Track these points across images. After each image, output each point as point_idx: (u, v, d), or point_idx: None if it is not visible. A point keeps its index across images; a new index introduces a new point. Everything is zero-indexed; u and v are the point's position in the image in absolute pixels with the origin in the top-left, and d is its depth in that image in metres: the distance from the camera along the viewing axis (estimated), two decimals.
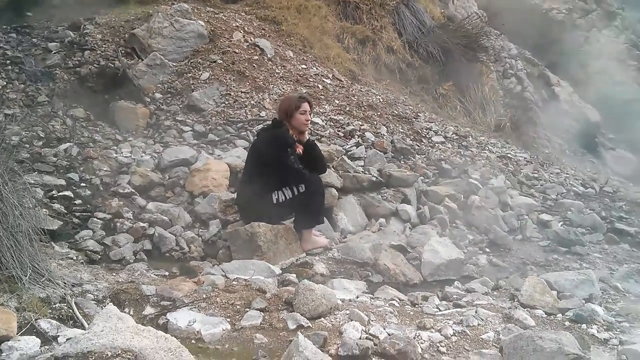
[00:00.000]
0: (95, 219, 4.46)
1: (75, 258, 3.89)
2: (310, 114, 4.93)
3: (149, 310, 3.24)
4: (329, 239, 4.94)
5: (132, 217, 4.64)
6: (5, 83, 6.39)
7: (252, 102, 7.28)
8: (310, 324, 3.19)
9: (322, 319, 3.27)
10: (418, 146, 7.44)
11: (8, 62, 6.78)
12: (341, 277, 4.33)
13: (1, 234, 3.10)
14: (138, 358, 2.25)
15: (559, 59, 15.51)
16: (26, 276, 3.06)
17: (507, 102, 12.42)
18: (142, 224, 4.52)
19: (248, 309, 3.31)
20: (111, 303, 3.02)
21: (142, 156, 5.63)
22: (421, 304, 3.78)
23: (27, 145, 5.29)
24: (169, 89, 7.23)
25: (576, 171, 9.31)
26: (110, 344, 2.27)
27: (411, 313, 3.54)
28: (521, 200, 6.49)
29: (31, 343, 2.53)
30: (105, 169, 5.25)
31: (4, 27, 7.60)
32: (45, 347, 2.56)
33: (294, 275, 4.05)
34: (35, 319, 2.76)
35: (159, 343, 2.39)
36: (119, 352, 2.24)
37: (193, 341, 2.95)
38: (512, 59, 14.32)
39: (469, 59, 11.77)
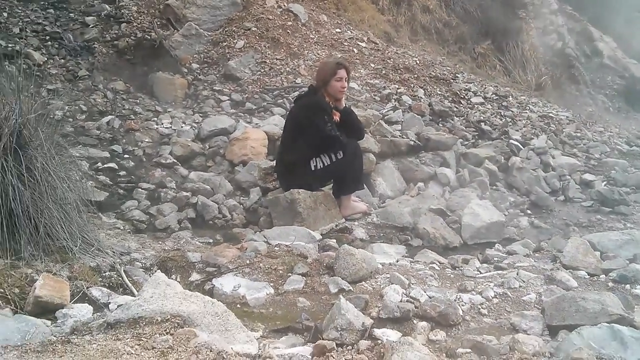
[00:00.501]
0: (140, 190, 4.59)
1: (122, 228, 4.03)
2: (347, 81, 4.86)
3: (195, 277, 3.34)
4: (368, 205, 4.97)
5: (175, 187, 4.75)
6: (46, 59, 6.51)
7: (288, 69, 7.27)
8: (351, 288, 3.24)
9: (363, 282, 3.32)
10: (457, 108, 7.33)
11: (47, 37, 6.90)
12: (381, 241, 4.35)
13: (51, 206, 3.22)
14: (187, 322, 2.33)
15: (601, 13, 14.87)
16: (76, 246, 3.19)
17: (548, 60, 12.02)
18: (185, 193, 4.61)
19: (290, 274, 3.38)
20: (159, 270, 3.12)
21: (182, 127, 5.72)
22: (461, 266, 3.79)
23: (71, 120, 5.43)
24: (205, 59, 7.27)
25: (620, 129, 9.03)
26: (160, 310, 2.36)
27: (451, 276, 3.56)
28: (563, 160, 6.36)
29: (84, 310, 2.65)
30: (147, 140, 5.36)
31: (42, 3, 7.71)
32: (98, 313, 2.67)
33: (334, 240, 4.10)
34: (87, 287, 2.89)
35: (206, 308, 2.48)
36: (168, 317, 2.33)
37: (238, 305, 3.04)
38: (552, 15, 13.80)
39: (507, 16, 11.42)
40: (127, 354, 2.03)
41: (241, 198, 4.86)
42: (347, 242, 4.12)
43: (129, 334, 2.20)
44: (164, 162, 5.04)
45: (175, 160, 5.10)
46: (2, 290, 2.58)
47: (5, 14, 7.04)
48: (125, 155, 5.04)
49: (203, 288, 3.20)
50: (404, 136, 5.95)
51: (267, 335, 2.72)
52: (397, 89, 7.32)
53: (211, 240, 4.14)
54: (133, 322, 2.29)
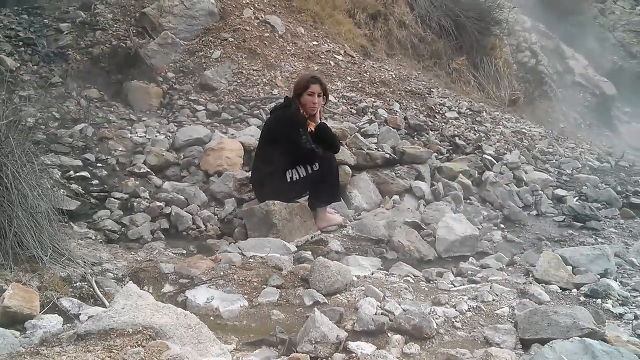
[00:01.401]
0: (113, 199, 4.51)
1: (94, 237, 3.96)
2: (322, 96, 4.83)
3: (167, 288, 3.30)
4: (343, 217, 4.97)
5: (148, 197, 4.68)
6: (19, 65, 6.40)
7: (264, 80, 7.26)
8: (326, 300, 3.24)
9: (338, 295, 3.31)
10: (431, 122, 7.40)
11: (21, 43, 6.78)
12: (356, 254, 4.35)
13: (21, 214, 3.16)
14: (159, 334, 2.29)
15: (573, 31, 15.25)
16: (47, 256, 3.13)
17: (521, 76, 12.27)
18: (158, 203, 4.56)
19: (265, 286, 3.36)
20: (131, 281, 3.06)
21: (156, 136, 5.66)
22: (436, 280, 3.81)
23: (43, 127, 5.32)
24: (181, 68, 7.22)
25: (591, 145, 9.25)
26: (131, 321, 2.31)
27: (426, 289, 3.57)
28: (536, 175, 6.46)
29: (54, 321, 2.59)
30: (120, 149, 5.29)
31: (16, 8, 7.59)
32: (68, 325, 2.61)
33: (309, 252, 4.08)
34: (57, 298, 2.83)
35: (179, 320, 2.44)
36: (140, 329, 2.28)
37: (211, 318, 3.01)
38: (525, 32, 14.12)
39: (482, 33, 11.60)
40: None
41: (216, 209, 4.81)
42: (323, 254, 4.10)
43: (100, 345, 2.15)
44: (137, 171, 4.97)
45: (149, 170, 5.04)
46: None
47: None
48: (98, 164, 4.96)
49: (176, 300, 3.15)
50: (379, 149, 5.97)
51: (241, 348, 2.69)
52: (373, 102, 7.37)
53: (184, 252, 4.09)
54: (104, 334, 2.24)
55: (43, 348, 2.15)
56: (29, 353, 2.05)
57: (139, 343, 2.19)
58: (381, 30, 10.47)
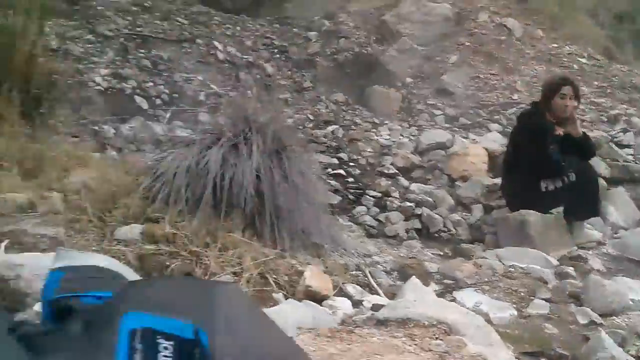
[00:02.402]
0: (368, 197, 4.73)
1: (356, 231, 4.20)
2: (573, 99, 4.51)
3: (433, 287, 3.36)
4: (602, 233, 4.61)
5: (398, 197, 4.83)
6: (275, 71, 7.07)
7: (503, 84, 7.10)
8: (602, 321, 3.04)
9: (614, 317, 3.10)
10: None
11: (275, 50, 7.50)
12: (622, 275, 4.01)
13: (305, 205, 3.48)
14: (452, 330, 2.35)
15: None
16: (326, 244, 3.40)
17: None
18: (409, 204, 4.66)
19: (533, 298, 3.26)
20: (413, 276, 3.15)
21: (400, 139, 5.83)
22: None
23: (300, 127, 5.81)
24: (418, 73, 7.36)
25: None
26: (425, 314, 2.40)
27: None
28: None
29: (346, 304, 2.79)
30: (369, 150, 5.53)
31: (268, 18, 8.40)
32: (356, 309, 2.80)
33: (571, 268, 3.86)
34: (342, 283, 3.05)
35: (467, 318, 2.47)
36: (434, 322, 2.35)
37: None
38: None
39: None
40: (407, 352, 2.10)
41: (463, 214, 4.81)
42: (585, 272, 3.84)
43: (401, 333, 2.27)
44: (386, 172, 5.16)
45: (396, 171, 5.20)
46: (275, 277, 2.83)
47: (238, 28, 7.77)
48: (351, 163, 5.23)
49: (444, 299, 3.20)
50: (637, 162, 5.45)
51: (519, 357, 2.64)
52: (626, 109, 6.76)
53: (441, 253, 4.15)
54: (402, 323, 2.36)
55: (354, 327, 2.33)
56: (345, 331, 2.24)
57: (437, 336, 2.26)
58: (627, 31, 9.60)
